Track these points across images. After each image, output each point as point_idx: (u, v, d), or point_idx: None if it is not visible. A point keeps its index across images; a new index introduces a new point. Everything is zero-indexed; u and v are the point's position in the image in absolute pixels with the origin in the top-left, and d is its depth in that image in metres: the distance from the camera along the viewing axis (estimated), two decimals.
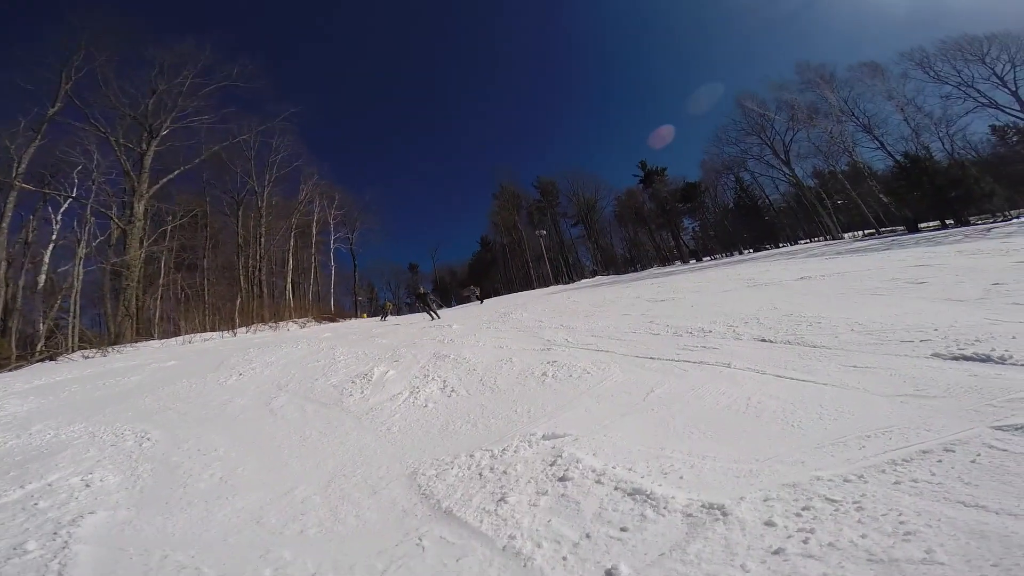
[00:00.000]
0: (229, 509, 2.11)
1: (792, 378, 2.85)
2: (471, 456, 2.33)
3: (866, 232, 33.21)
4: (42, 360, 14.31)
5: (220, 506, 2.15)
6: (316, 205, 36.45)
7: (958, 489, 1.43)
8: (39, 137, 18.56)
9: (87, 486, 2.51)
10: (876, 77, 31.58)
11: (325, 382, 4.84)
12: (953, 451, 1.67)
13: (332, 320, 26.58)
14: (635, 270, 48.14)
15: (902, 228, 27.80)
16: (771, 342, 3.89)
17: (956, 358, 2.74)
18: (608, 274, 46.26)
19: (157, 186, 22.66)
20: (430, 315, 14.12)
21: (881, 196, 29.87)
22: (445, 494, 1.95)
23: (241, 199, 31.56)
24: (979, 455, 1.62)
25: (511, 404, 3.23)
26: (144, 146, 22.03)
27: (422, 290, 15.75)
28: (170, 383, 5.69)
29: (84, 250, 19.61)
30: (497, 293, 35.62)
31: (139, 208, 20.89)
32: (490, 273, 61.38)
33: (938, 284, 5.24)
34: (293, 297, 30.38)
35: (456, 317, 12.94)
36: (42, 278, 19.55)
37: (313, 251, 37.07)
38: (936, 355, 2.85)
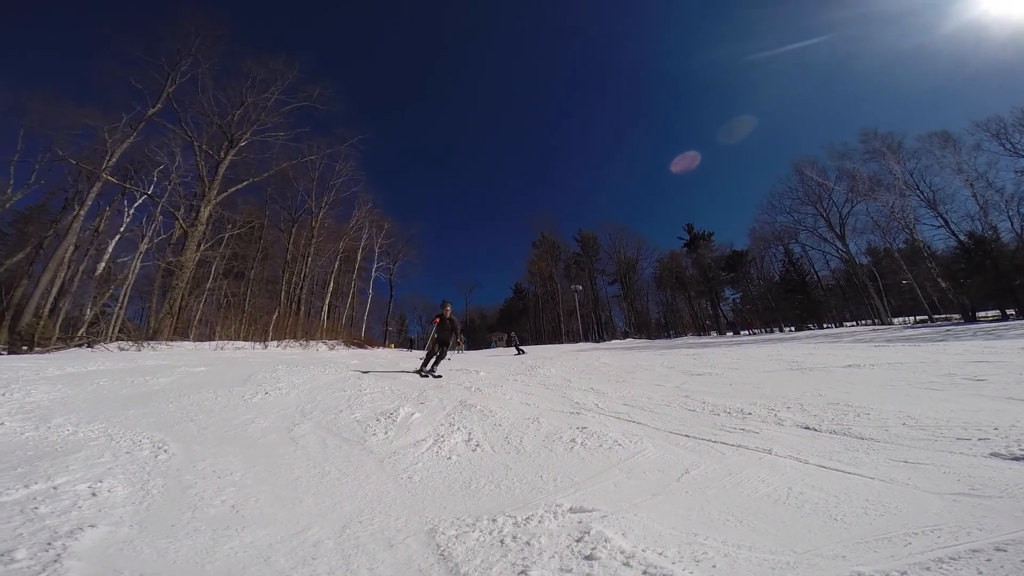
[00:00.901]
0: (237, 542, 2.01)
1: (837, 469, 2.71)
2: (493, 520, 2.19)
3: (918, 319, 31.56)
4: (80, 345, 14.90)
5: (228, 537, 2.05)
6: (365, 232, 37.76)
7: None
8: (134, 134, 20.01)
9: (93, 495, 2.43)
10: (947, 148, 29.62)
11: (349, 415, 4.76)
12: (1005, 551, 1.63)
13: (361, 346, 26.87)
14: (668, 336, 47.19)
15: (957, 316, 26.26)
16: (815, 430, 3.70)
17: (1017, 458, 2.63)
18: (640, 337, 45.42)
19: (225, 194, 24.01)
20: (427, 364, 8.59)
21: (939, 280, 27.63)
22: (464, 558, 1.82)
23: (297, 217, 33.08)
24: None
25: (537, 468, 3.07)
26: (222, 154, 23.52)
27: (449, 311, 9.02)
28: (196, 391, 5.71)
29: (146, 245, 20.73)
30: (524, 342, 35.35)
31: (204, 212, 22.08)
32: (520, 321, 61.30)
33: (998, 382, 4.94)
34: (328, 319, 30.95)
35: (483, 362, 12.81)
36: (101, 266, 20.73)
37: (355, 276, 38.08)
38: (995, 454, 2.73)
